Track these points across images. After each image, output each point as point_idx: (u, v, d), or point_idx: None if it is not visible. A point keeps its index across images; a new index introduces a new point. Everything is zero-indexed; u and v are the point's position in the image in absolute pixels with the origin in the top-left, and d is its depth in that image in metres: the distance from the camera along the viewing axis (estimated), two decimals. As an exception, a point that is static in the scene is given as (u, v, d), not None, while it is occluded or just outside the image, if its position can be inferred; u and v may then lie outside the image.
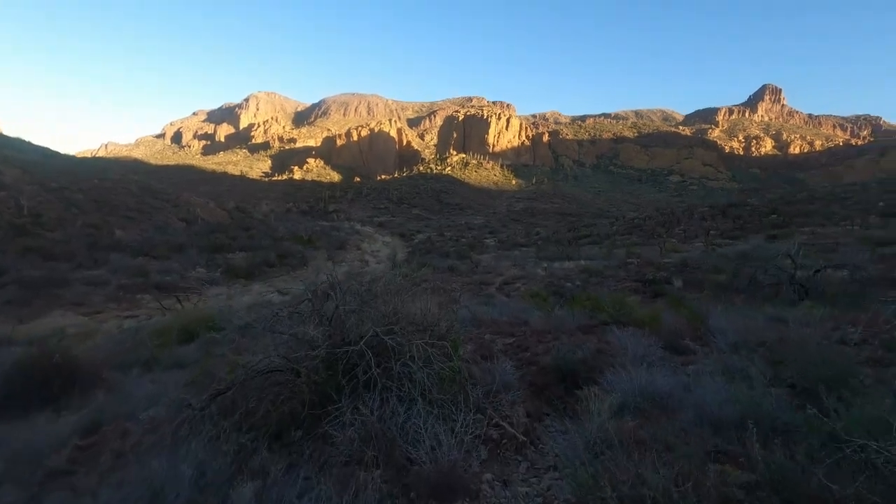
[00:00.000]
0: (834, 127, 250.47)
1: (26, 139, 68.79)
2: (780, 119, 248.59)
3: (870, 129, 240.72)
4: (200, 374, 5.33)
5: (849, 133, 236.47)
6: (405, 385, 3.10)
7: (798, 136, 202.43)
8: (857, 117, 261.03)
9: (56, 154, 66.57)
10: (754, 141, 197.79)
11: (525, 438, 3.21)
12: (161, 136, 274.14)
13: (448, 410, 3.10)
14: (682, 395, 3.78)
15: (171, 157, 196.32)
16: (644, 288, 17.08)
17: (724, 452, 2.55)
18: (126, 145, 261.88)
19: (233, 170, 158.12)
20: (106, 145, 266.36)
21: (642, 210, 75.28)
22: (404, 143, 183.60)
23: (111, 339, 11.52)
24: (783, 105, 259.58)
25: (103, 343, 10.54)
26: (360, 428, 2.83)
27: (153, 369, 7.03)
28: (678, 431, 2.98)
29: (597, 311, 9.32)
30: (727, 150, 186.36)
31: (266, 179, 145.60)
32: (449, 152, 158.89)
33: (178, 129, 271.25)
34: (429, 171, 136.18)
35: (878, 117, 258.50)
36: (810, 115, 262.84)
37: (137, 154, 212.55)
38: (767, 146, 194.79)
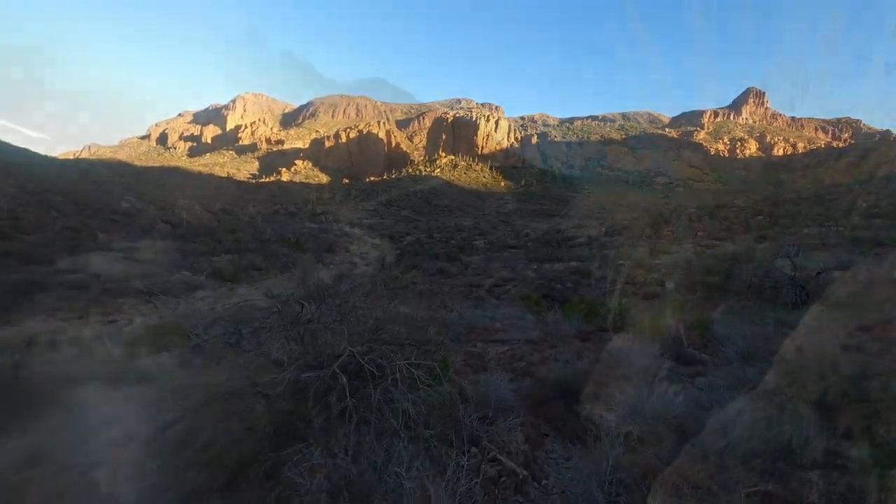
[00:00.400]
0: (816, 129, 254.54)
1: (4, 140, 67.07)
2: (764, 122, 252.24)
3: (850, 132, 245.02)
4: (165, 392, 4.86)
5: (830, 135, 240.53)
6: (386, 415, 2.63)
7: (781, 138, 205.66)
8: (838, 120, 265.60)
9: (37, 156, 64.94)
10: (739, 143, 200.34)
11: (526, 472, 2.79)
12: (146, 137, 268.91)
13: (437, 448, 2.63)
14: (700, 414, 3.40)
15: (157, 159, 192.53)
16: (636, 290, 16.86)
17: (768, 497, 2.15)
18: (110, 147, 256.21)
19: (220, 171, 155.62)
20: (89, 147, 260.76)
21: (630, 211, 75.58)
22: (393, 144, 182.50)
23: (85, 346, 10.91)
24: (766, 108, 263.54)
25: (73, 352, 9.93)
26: (332, 471, 2.35)
27: (118, 384, 6.49)
28: (702, 461, 2.59)
29: (592, 315, 8.98)
30: (713, 151, 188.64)
31: (253, 181, 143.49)
32: (438, 154, 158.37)
33: (164, 130, 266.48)
34: (418, 172, 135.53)
35: (858, 120, 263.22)
36: (793, 118, 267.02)
37: (122, 156, 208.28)
38: (752, 148, 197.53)
